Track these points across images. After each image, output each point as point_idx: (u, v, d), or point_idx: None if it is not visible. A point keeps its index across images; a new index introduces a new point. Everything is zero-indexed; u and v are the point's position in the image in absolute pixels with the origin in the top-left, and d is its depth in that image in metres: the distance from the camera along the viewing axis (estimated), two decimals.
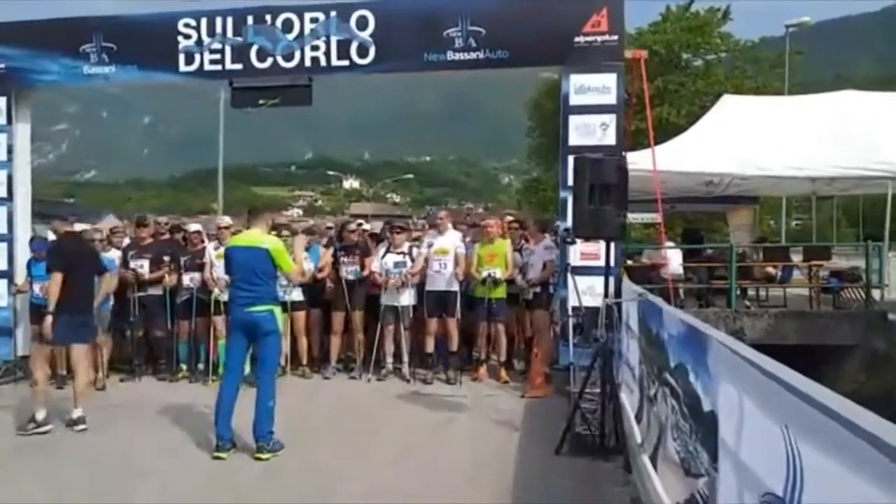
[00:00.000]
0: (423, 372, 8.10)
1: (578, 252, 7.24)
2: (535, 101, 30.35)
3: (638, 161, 9.62)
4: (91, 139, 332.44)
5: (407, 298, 8.01)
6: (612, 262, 5.78)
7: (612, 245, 5.62)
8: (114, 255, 8.52)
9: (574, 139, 7.38)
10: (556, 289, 7.68)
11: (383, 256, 8.17)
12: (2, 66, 8.41)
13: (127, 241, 8.81)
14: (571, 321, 6.92)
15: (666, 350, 4.26)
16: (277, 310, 5.39)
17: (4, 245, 8.79)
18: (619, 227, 5.18)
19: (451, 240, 8.08)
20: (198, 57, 7.99)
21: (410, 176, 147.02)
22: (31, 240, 8.32)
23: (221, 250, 8.11)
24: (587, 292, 7.20)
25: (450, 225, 8.37)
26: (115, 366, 8.63)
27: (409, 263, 8.07)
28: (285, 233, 8.22)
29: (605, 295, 5.34)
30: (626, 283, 6.86)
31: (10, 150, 8.61)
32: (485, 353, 8.23)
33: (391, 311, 8.05)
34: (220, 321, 7.98)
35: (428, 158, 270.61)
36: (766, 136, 11.53)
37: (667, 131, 16.05)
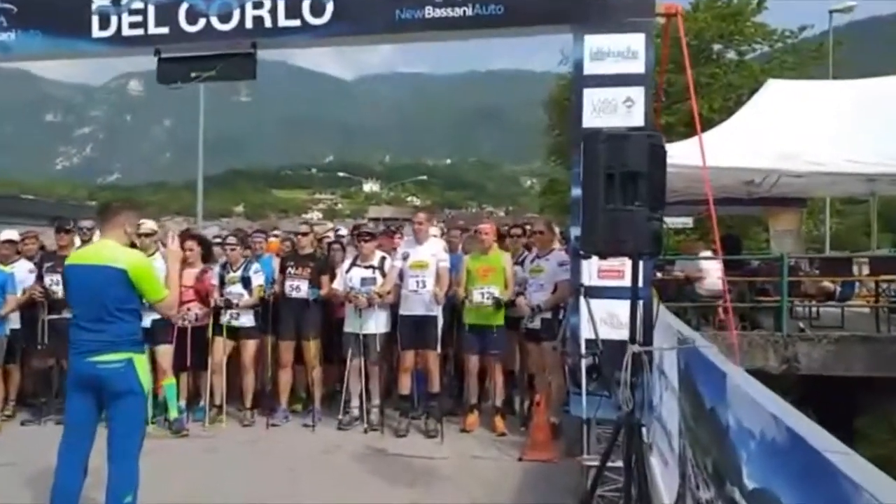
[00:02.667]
0: (398, 419, 6.37)
1: (596, 268, 5.46)
2: (554, 97, 28.65)
3: (673, 154, 7.86)
4: (114, 143, 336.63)
5: (375, 325, 6.28)
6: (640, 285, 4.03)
7: (642, 263, 3.85)
8: (22, 267, 6.93)
9: (589, 119, 5.60)
10: (565, 315, 5.93)
11: (348, 270, 6.46)
12: None
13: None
14: (585, 361, 5.14)
15: (733, 448, 2.51)
16: (140, 359, 3.69)
17: None
18: (651, 236, 3.42)
19: (431, 250, 6.33)
20: (114, 20, 6.32)
21: (425, 177, 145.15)
22: None
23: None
24: (607, 321, 5.43)
25: (432, 231, 6.64)
26: (31, 402, 7.04)
27: (379, 280, 6.36)
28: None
29: (632, 338, 3.58)
30: (661, 312, 5.07)
31: None
32: (476, 396, 6.47)
33: (356, 341, 6.34)
34: (163, 353, 6.45)
35: (448, 161, 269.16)
36: (819, 126, 9.74)
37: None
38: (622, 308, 5.48)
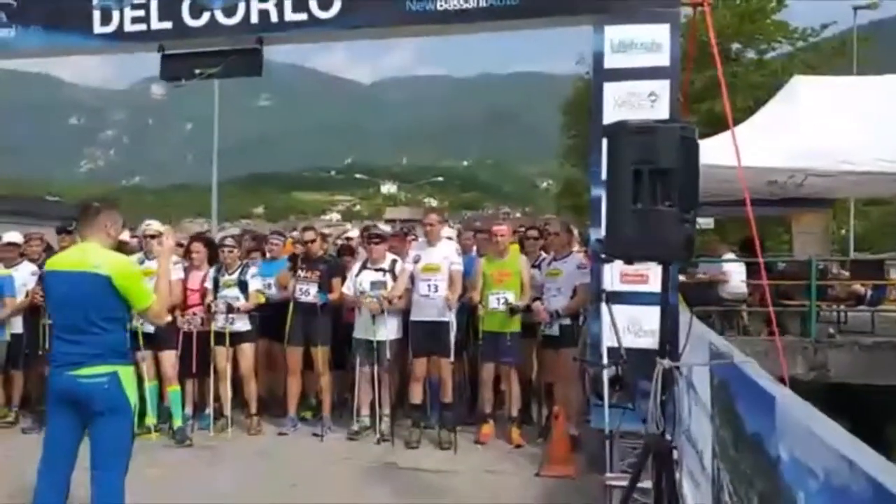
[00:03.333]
0: (410, 429, 6.08)
1: (618, 272, 5.16)
2: (571, 98, 28.31)
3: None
4: (137, 146, 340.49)
5: (385, 331, 6.01)
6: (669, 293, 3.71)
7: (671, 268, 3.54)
8: (24, 269, 6.74)
9: (611, 115, 5.27)
10: (584, 322, 5.64)
11: (358, 273, 6.20)
12: None
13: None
14: (607, 371, 4.83)
15: (785, 485, 2.20)
16: (126, 372, 3.41)
17: None
18: (684, 240, 3.11)
19: (443, 253, 6.05)
20: (116, 15, 6.11)
21: (440, 179, 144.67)
22: None
23: (148, 265, 6.28)
24: (630, 328, 5.15)
25: (445, 232, 6.35)
26: (34, 409, 6.82)
27: (390, 283, 6.09)
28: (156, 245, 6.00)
29: (661, 352, 3.26)
30: (687, 322, 4.74)
31: None
32: (491, 406, 6.18)
33: (366, 348, 6.07)
34: (168, 360, 6.25)
35: (465, 163, 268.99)
36: (848, 124, 9.31)
37: (719, 127, 13.90)
38: (646, 314, 5.19)
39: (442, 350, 5.89)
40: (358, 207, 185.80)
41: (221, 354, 6.27)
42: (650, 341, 5.28)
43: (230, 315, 6.19)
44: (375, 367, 6.01)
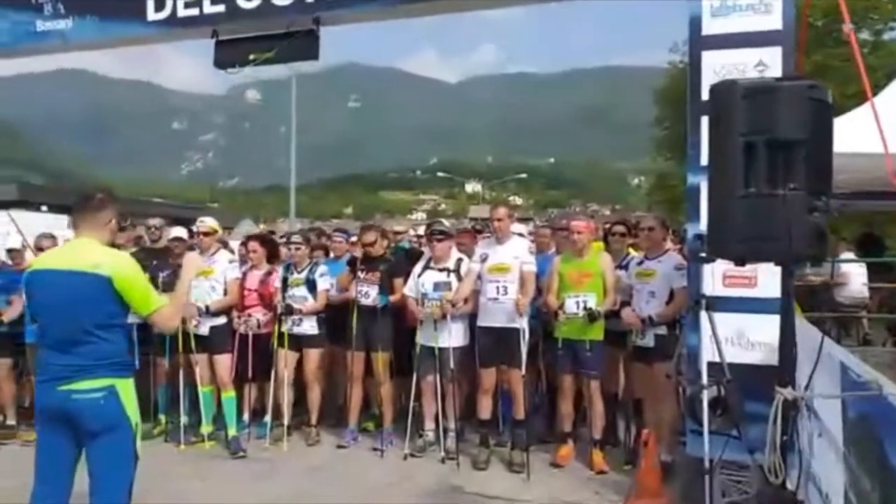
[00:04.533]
0: (478, 447, 5.48)
1: (720, 274, 4.38)
2: (664, 88, 26.83)
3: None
4: (234, 148, 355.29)
5: (449, 337, 5.42)
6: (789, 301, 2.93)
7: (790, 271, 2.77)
8: None
9: None
10: (680, 332, 4.87)
11: (420, 274, 5.65)
12: None
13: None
14: (707, 392, 4.06)
15: None
16: (125, 386, 2.95)
17: None
18: (812, 234, 2.36)
19: (513, 251, 5.40)
20: (169, 0, 5.86)
21: (524, 175, 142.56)
22: None
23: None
24: (734, 340, 4.37)
25: (514, 228, 5.69)
26: None
27: (455, 284, 5.51)
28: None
29: (781, 380, 2.52)
30: (805, 335, 3.90)
31: None
32: (570, 424, 5.48)
33: (430, 355, 5.51)
34: (222, 364, 5.91)
35: (552, 160, 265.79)
36: None
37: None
38: (753, 324, 4.39)
39: (512, 360, 5.25)
40: (443, 206, 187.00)
41: (283, 359, 5.88)
42: (758, 356, 4.49)
43: (295, 317, 5.81)
44: (439, 377, 5.44)
